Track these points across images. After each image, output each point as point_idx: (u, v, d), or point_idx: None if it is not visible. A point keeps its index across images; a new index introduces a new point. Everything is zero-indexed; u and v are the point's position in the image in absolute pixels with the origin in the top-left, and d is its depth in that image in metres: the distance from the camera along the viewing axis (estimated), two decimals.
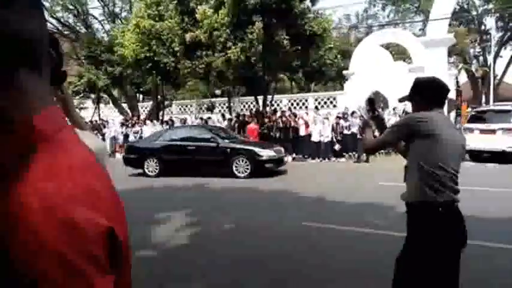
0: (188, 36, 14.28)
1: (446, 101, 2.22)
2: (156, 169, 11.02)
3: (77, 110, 1.87)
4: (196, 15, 14.12)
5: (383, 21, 39.28)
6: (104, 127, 18.44)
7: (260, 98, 17.04)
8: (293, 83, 28.52)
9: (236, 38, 13.74)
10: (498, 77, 40.63)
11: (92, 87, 20.45)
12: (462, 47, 35.31)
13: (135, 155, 11.35)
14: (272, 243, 4.89)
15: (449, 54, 21.09)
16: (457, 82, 18.98)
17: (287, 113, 14.95)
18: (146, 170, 11.11)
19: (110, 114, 23.54)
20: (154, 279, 3.79)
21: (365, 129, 2.46)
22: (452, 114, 16.77)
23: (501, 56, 41.91)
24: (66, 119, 0.65)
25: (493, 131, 11.23)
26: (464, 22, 38.75)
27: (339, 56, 19.29)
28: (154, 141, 11.35)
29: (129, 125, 17.76)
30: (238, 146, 10.58)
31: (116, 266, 0.50)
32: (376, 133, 2.52)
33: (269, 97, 17.60)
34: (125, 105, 23.17)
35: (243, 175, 10.18)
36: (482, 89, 41.03)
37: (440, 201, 2.00)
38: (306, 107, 19.47)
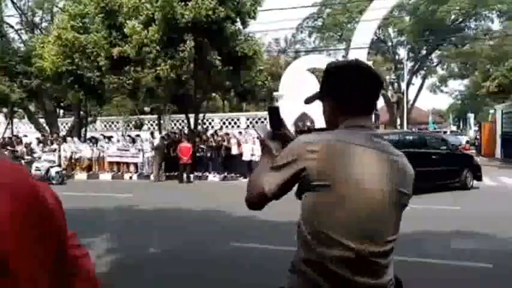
0: (115, 51, 13.72)
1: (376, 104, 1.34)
2: None
3: None
4: (125, 29, 13.67)
5: (309, 47, 41.64)
6: (19, 144, 16.75)
7: (191, 117, 16.83)
8: (225, 102, 28.72)
9: (166, 55, 13.52)
10: (411, 102, 45.08)
11: (4, 100, 18.58)
12: None
13: None
14: (200, 266, 4.74)
15: None
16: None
17: (220, 132, 14.93)
18: None
19: (26, 130, 21.54)
20: None
21: (262, 156, 1.39)
22: None
23: (413, 84, 46.72)
24: None
25: None
26: (380, 52, 42.61)
27: (269, 78, 19.86)
28: None
29: (47, 143, 16.39)
30: None
31: None
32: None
33: (201, 116, 17.45)
34: (42, 121, 21.37)
35: None
36: (397, 112, 45.08)
37: None
38: (238, 126, 19.68)
